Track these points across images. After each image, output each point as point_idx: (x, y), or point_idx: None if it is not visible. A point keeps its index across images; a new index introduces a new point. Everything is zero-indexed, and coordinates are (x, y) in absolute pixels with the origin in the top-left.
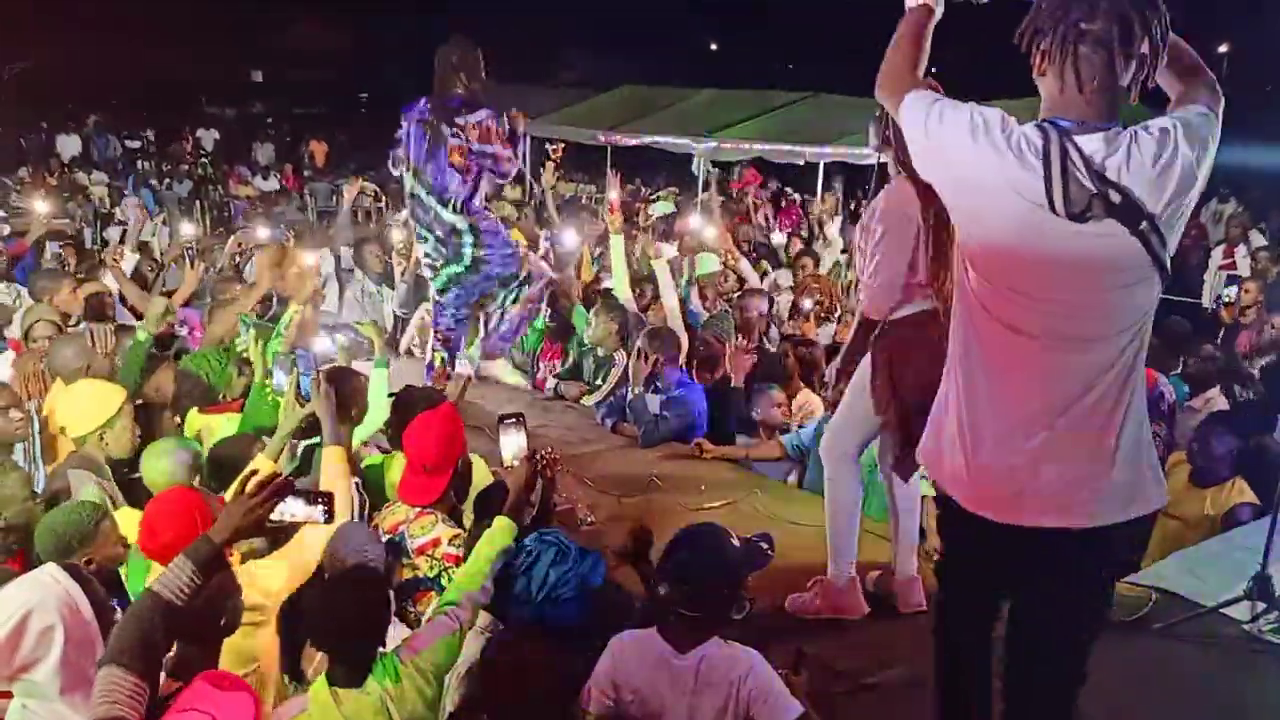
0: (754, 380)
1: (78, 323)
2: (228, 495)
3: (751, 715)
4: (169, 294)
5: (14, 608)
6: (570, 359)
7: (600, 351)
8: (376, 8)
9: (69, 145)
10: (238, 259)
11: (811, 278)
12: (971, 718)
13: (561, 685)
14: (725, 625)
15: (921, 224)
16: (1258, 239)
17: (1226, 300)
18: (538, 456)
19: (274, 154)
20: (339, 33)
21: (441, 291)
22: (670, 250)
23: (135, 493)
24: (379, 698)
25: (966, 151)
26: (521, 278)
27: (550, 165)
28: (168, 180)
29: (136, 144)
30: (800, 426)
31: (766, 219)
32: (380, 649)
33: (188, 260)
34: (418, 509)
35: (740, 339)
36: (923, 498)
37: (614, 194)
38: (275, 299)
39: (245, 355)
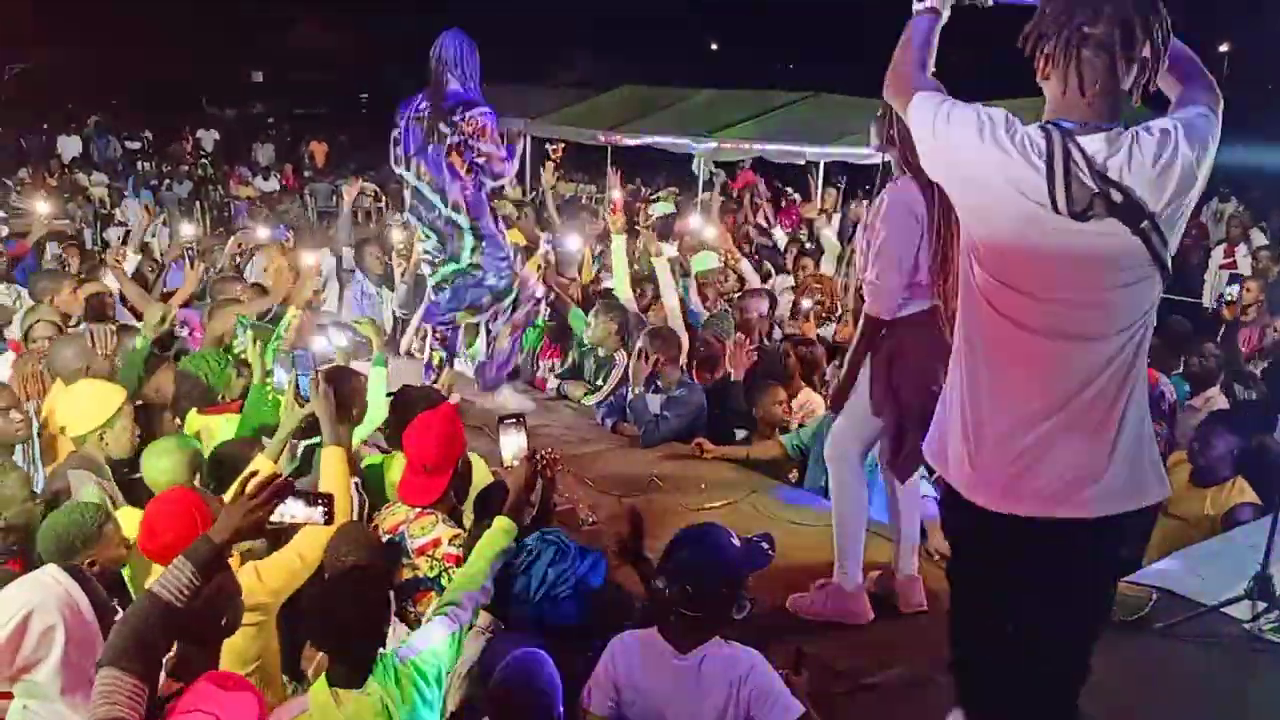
0: (754, 378)
1: (78, 323)
2: (227, 496)
3: (752, 715)
4: (168, 295)
5: (15, 608)
6: (570, 358)
7: (601, 352)
8: (376, 8)
9: (69, 146)
10: (238, 259)
11: (812, 278)
12: (986, 715)
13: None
14: (726, 625)
15: (926, 223)
16: (1259, 238)
17: (1229, 299)
18: (538, 457)
19: (274, 154)
20: (339, 33)
21: (437, 289)
22: (670, 250)
23: (135, 492)
24: (379, 698)
25: (972, 151)
26: (512, 295)
27: (550, 165)
28: (168, 181)
29: (136, 145)
30: (801, 425)
31: (767, 219)
32: (380, 649)
33: (188, 261)
34: (418, 509)
35: (740, 339)
36: (923, 498)
37: (616, 194)
38: None
39: (244, 357)
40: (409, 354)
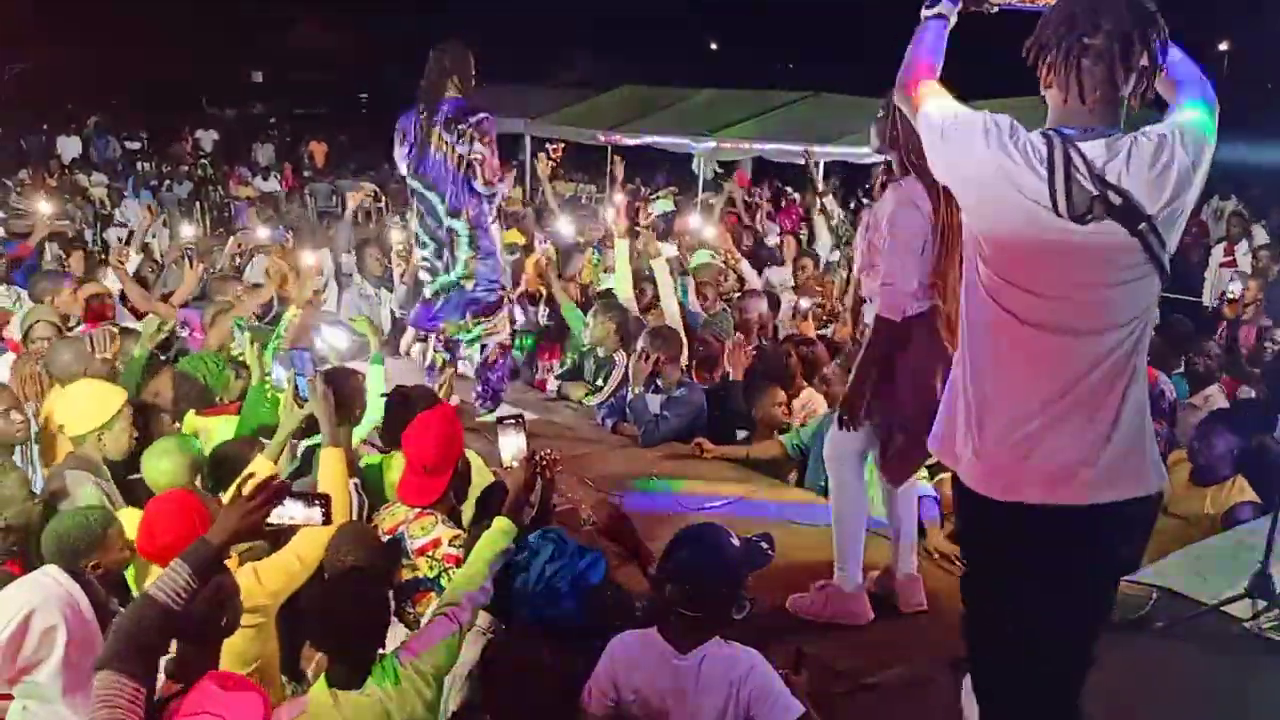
0: (754, 379)
1: (77, 324)
2: (226, 497)
3: (752, 715)
4: (168, 296)
5: (16, 609)
6: (569, 359)
7: (600, 352)
8: (376, 8)
9: (69, 147)
10: (237, 260)
11: (813, 279)
12: (997, 705)
13: (562, 686)
14: (726, 625)
15: (932, 222)
16: (1260, 235)
17: (1231, 296)
18: (537, 457)
19: (274, 154)
20: (339, 33)
21: (433, 298)
22: (670, 250)
23: (134, 493)
24: (378, 699)
25: (978, 155)
26: (495, 319)
27: (544, 158)
28: (167, 181)
29: (136, 145)
30: (802, 425)
31: (762, 220)
32: (380, 650)
33: (187, 261)
34: (417, 510)
35: (739, 339)
36: (920, 497)
37: (619, 197)
38: (275, 300)
39: (242, 358)
40: (408, 354)
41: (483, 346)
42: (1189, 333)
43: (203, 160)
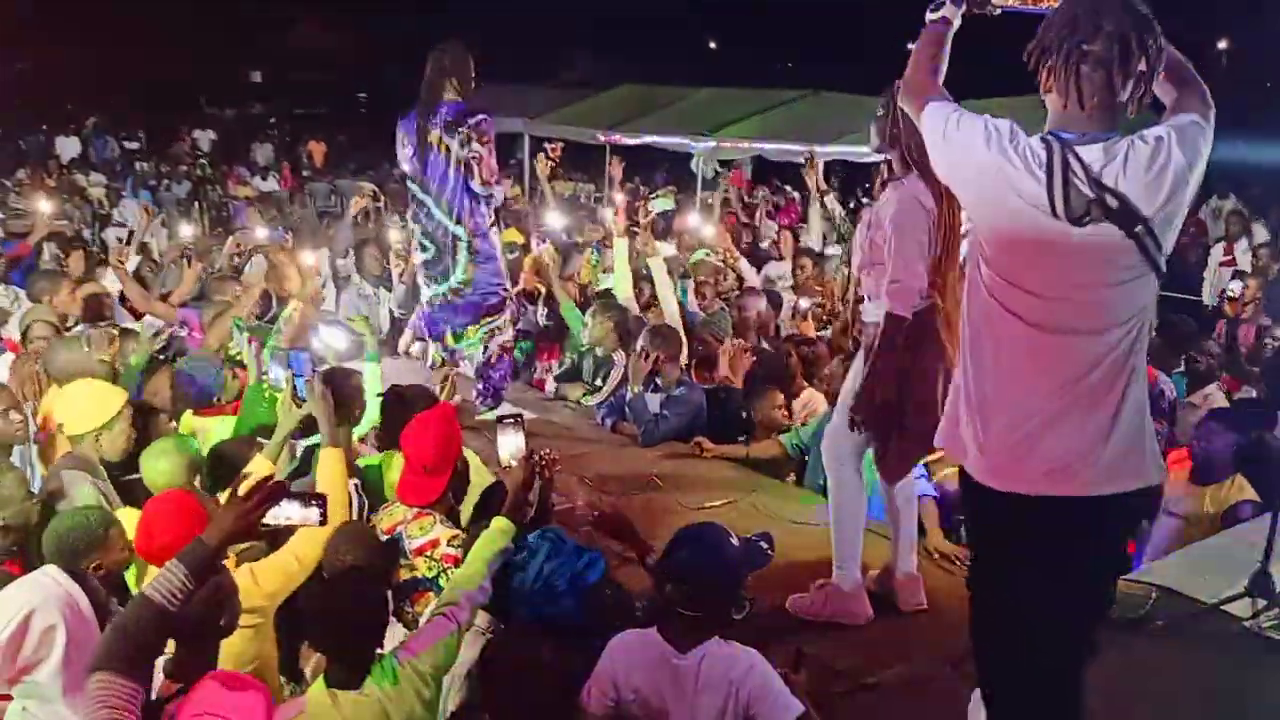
0: (754, 380)
1: (75, 324)
2: (224, 498)
3: (752, 715)
4: (166, 295)
5: (15, 609)
6: (568, 359)
7: (599, 352)
8: (376, 8)
9: (68, 147)
10: (236, 259)
11: (812, 279)
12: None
13: (562, 685)
14: (725, 625)
15: (935, 219)
16: (1261, 233)
17: (1231, 295)
18: (536, 457)
19: (273, 154)
20: (338, 33)
21: (432, 303)
22: (669, 249)
23: (130, 493)
24: (377, 699)
25: (979, 157)
26: (496, 321)
27: (543, 158)
28: (166, 181)
29: (135, 145)
30: (803, 425)
31: (761, 219)
32: (378, 650)
33: (185, 261)
34: (416, 509)
35: (738, 344)
36: (920, 496)
37: (619, 197)
38: (275, 300)
39: (239, 358)
40: (407, 353)
41: (485, 346)
42: (1190, 333)
43: (201, 160)
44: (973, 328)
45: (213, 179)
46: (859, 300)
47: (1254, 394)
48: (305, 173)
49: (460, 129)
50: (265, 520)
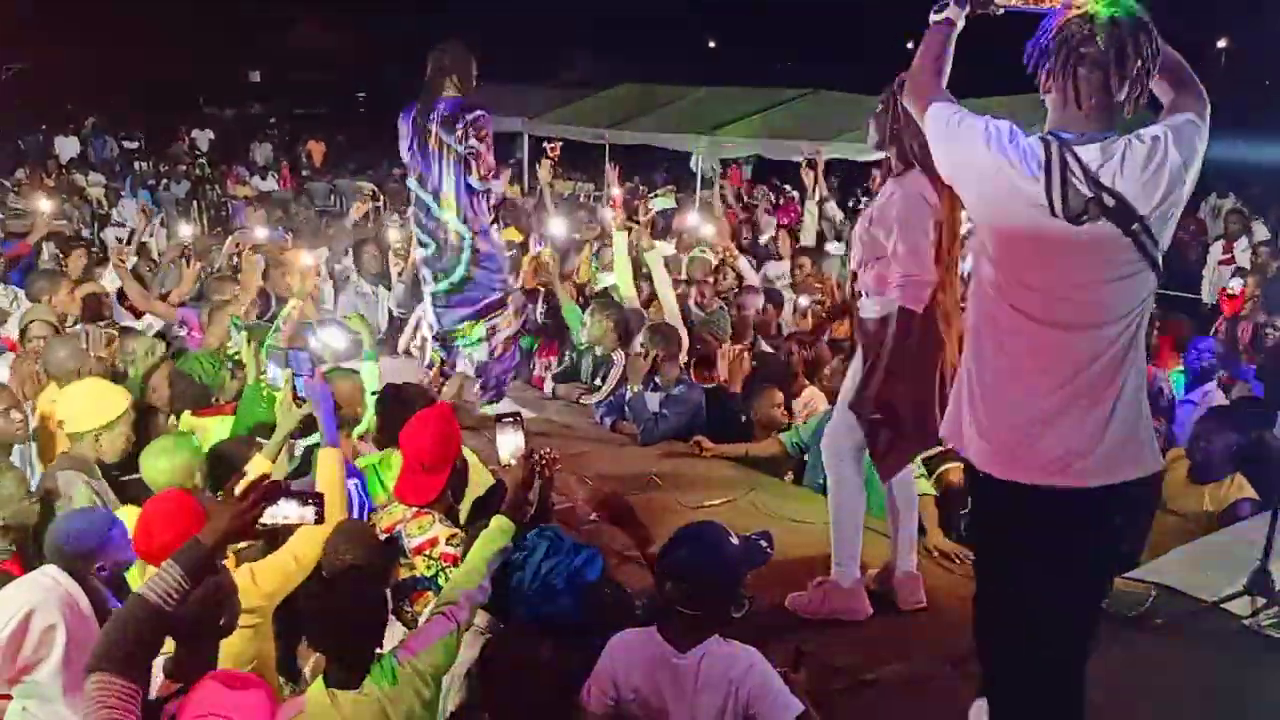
0: (754, 381)
1: (74, 324)
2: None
3: (751, 713)
4: (165, 295)
5: (15, 608)
6: (567, 358)
7: (598, 351)
8: (376, 8)
9: (67, 147)
10: (235, 259)
11: (811, 276)
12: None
13: (561, 684)
14: (725, 623)
15: (937, 214)
16: (1261, 231)
17: (1231, 292)
18: (536, 456)
19: (272, 154)
20: (338, 33)
21: (432, 299)
22: (668, 248)
23: (129, 493)
24: (376, 699)
25: (980, 157)
26: (499, 317)
27: (546, 162)
28: (165, 181)
29: (134, 145)
30: (803, 423)
31: (761, 218)
32: (378, 649)
33: (184, 260)
34: (415, 508)
35: (737, 348)
36: (920, 495)
37: (616, 191)
38: (274, 299)
39: (238, 357)
40: (406, 352)
41: (488, 341)
42: (1191, 333)
43: (200, 160)
44: (975, 323)
45: (212, 179)
46: (857, 295)
47: (1252, 392)
48: (304, 172)
49: (458, 125)
50: (262, 519)
